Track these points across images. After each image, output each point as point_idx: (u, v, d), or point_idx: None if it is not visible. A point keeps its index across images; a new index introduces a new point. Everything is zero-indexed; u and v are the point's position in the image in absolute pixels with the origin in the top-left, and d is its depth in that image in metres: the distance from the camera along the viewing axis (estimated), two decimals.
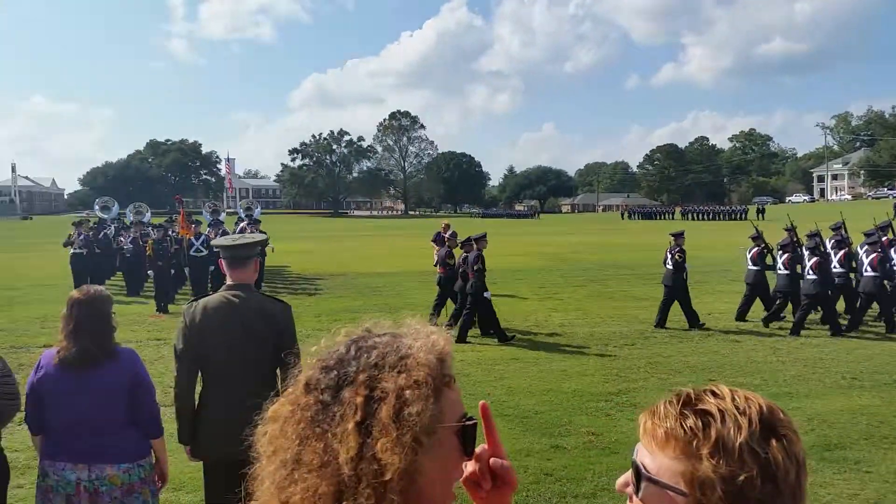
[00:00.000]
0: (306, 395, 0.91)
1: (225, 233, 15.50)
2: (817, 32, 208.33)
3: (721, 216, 63.39)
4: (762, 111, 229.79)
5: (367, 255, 26.64)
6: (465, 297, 10.41)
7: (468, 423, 0.93)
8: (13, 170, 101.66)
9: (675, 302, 11.20)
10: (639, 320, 11.92)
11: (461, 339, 9.98)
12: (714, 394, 0.90)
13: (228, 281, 3.61)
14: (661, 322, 11.17)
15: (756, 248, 12.17)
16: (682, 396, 0.91)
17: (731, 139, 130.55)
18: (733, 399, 0.89)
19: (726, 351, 9.61)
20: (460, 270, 10.65)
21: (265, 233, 9.34)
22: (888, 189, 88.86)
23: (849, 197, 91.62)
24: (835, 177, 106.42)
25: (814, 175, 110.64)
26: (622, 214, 74.50)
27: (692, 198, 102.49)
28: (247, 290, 3.57)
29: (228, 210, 39.51)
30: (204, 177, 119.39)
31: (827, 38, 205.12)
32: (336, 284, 17.30)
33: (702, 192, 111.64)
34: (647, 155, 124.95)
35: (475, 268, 10.16)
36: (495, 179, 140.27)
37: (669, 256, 11.49)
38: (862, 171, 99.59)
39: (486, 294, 10.23)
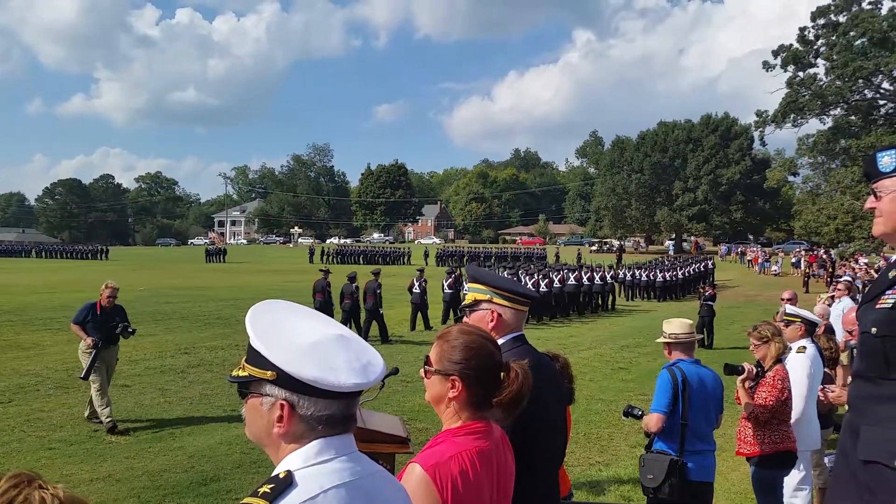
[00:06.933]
0: None
1: None
2: (227, 90, 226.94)
3: (80, 255, 61.92)
4: (173, 155, 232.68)
5: None
6: None
7: None
8: None
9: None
10: (19, 373, 10.64)
11: None
12: None
13: None
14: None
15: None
16: None
17: (137, 179, 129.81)
18: None
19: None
20: None
21: None
22: (275, 235, 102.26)
23: (244, 241, 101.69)
24: (234, 223, 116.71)
25: (215, 220, 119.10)
26: None
27: (97, 236, 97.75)
28: None
29: None
30: None
31: (234, 97, 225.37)
32: None
33: (107, 230, 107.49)
34: (47, 188, 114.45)
35: None
36: None
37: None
38: (256, 219, 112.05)
39: None
